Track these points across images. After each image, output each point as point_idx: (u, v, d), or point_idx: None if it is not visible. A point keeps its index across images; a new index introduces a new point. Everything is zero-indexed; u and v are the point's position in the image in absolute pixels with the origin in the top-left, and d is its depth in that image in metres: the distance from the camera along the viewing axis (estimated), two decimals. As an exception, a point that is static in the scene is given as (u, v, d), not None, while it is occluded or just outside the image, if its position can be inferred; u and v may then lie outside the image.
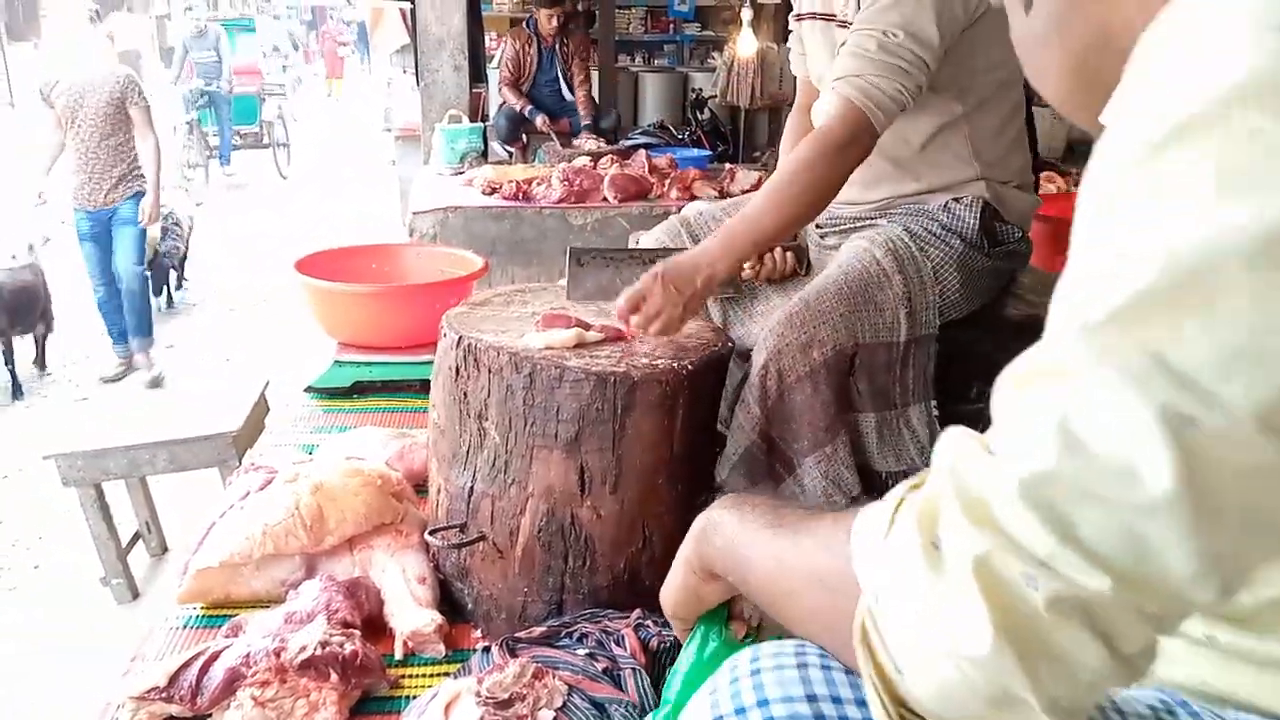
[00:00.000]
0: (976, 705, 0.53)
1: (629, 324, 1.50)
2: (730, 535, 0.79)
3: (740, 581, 0.79)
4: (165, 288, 6.07)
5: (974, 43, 1.68)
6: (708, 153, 5.57)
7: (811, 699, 0.64)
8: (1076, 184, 4.97)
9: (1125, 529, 0.49)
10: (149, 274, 5.19)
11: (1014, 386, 0.55)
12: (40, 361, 4.96)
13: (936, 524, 0.55)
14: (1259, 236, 0.46)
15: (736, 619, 0.93)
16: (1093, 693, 0.53)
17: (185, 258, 6.18)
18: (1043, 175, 4.66)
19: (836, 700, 0.64)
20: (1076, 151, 6.92)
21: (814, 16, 1.89)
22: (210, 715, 1.30)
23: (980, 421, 1.90)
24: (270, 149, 11.02)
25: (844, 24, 1.76)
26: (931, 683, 0.55)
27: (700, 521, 0.85)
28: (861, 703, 0.62)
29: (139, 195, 4.80)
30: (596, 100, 6.22)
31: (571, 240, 3.90)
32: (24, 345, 4.83)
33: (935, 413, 1.72)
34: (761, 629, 0.92)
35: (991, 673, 0.51)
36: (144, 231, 4.89)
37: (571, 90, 5.93)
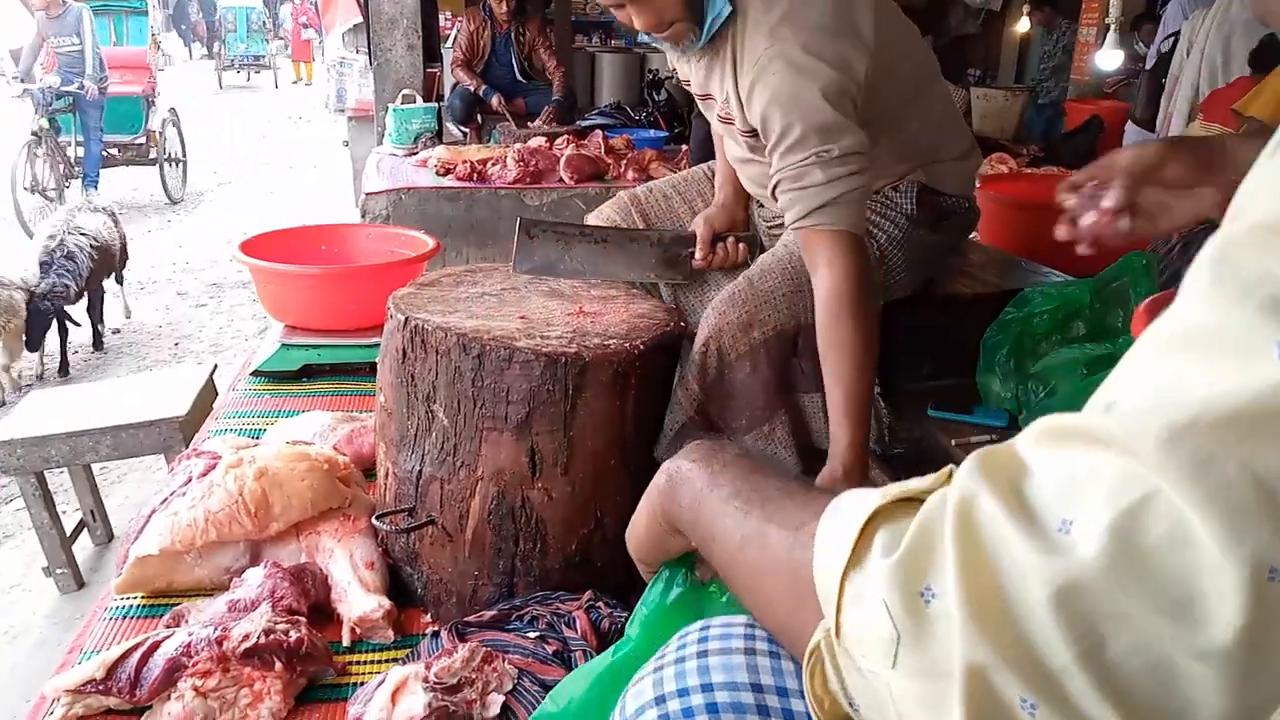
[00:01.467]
0: None
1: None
2: (696, 497, 0.74)
3: (702, 549, 0.75)
4: (97, 327, 4.79)
5: (876, 86, 1.58)
6: (664, 134, 5.54)
7: (757, 688, 0.62)
8: (1030, 164, 4.99)
9: (1157, 664, 0.41)
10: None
11: (1060, 439, 0.46)
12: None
13: (929, 571, 0.47)
14: None
15: (702, 564, 0.91)
16: None
17: (87, 295, 4.57)
18: (994, 156, 4.69)
19: (783, 692, 0.62)
20: (1034, 130, 7.00)
21: (703, 97, 1.78)
22: (150, 707, 1.27)
23: (929, 400, 1.90)
24: (159, 165, 8.28)
25: (731, 123, 1.68)
26: None
27: (666, 471, 0.81)
28: None
29: None
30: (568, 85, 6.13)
31: (527, 222, 3.87)
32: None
33: (878, 390, 1.72)
34: None
35: None
36: None
37: (525, 74, 5.86)
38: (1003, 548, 0.45)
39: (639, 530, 0.87)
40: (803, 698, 0.59)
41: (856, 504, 0.54)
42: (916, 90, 1.73)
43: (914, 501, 0.52)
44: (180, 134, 8.75)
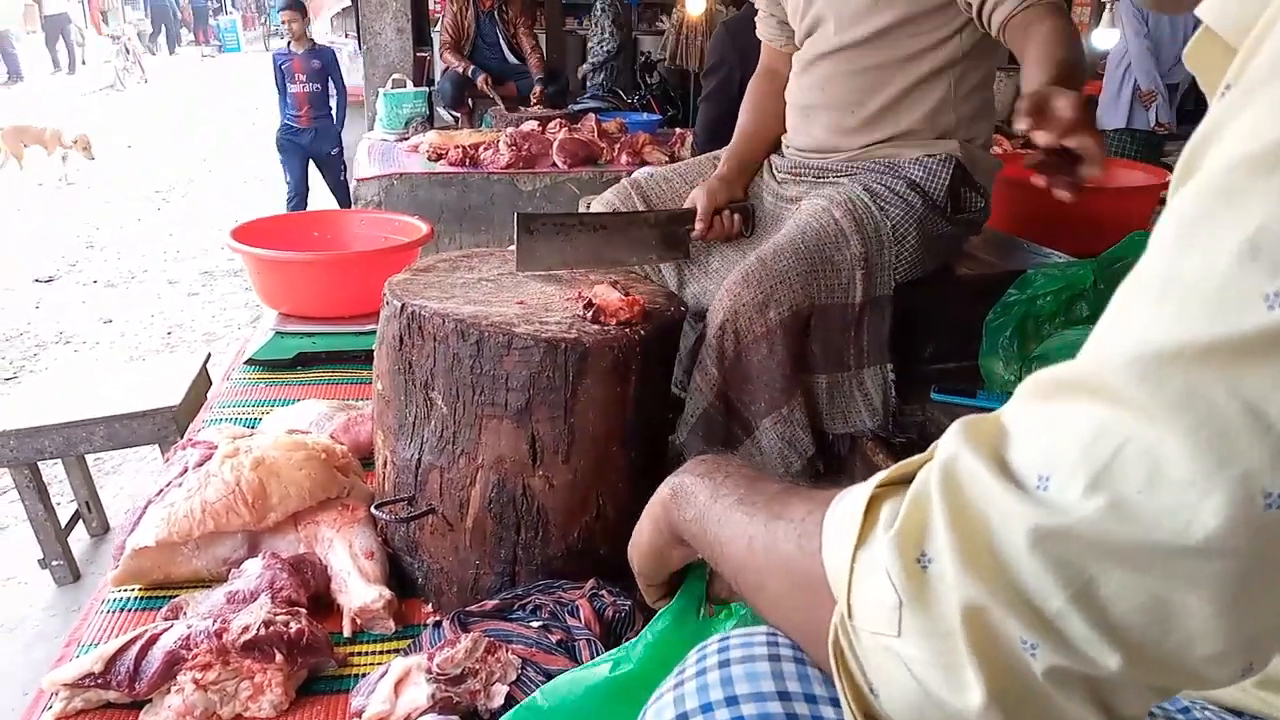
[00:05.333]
0: None
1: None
2: (702, 508, 0.74)
3: (711, 559, 0.74)
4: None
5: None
6: (657, 117, 5.53)
7: (784, 696, 0.60)
8: (1024, 146, 5.01)
9: (1152, 597, 0.42)
10: None
11: (1040, 396, 0.47)
12: None
13: (924, 537, 0.48)
14: None
15: (715, 582, 0.90)
16: None
17: None
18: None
19: (811, 699, 0.60)
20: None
21: None
22: (149, 701, 1.25)
23: (937, 381, 1.89)
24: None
25: None
26: (910, 712, 0.51)
27: (670, 484, 0.81)
28: (836, 702, 0.58)
29: None
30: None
31: (521, 206, 3.84)
32: None
33: (892, 376, 1.71)
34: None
35: None
36: None
37: (514, 54, 5.82)
38: (985, 496, 0.46)
39: (642, 543, 0.86)
40: (831, 704, 0.59)
41: (859, 489, 0.55)
42: (994, 42, 1.75)
43: (913, 480, 0.53)
44: None
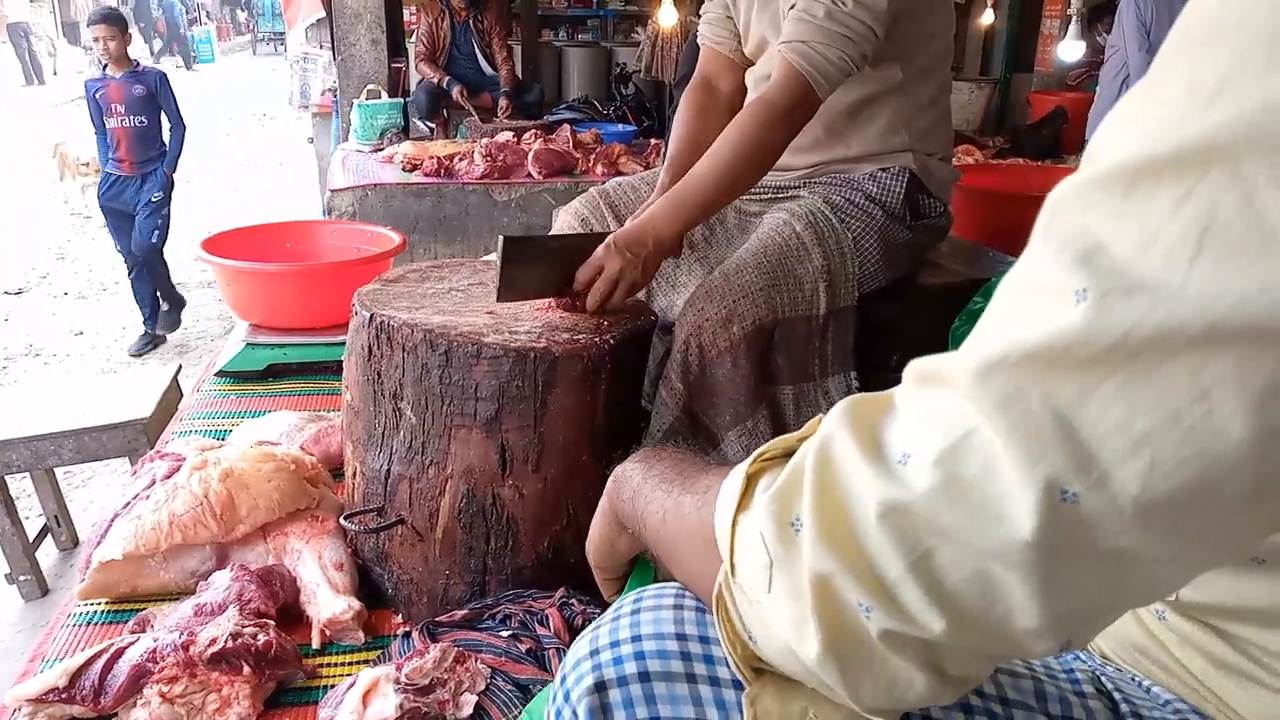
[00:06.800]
0: (815, 684, 0.56)
1: (583, 299, 1.51)
2: (634, 489, 0.80)
3: (640, 536, 0.80)
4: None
5: (919, 11, 1.68)
6: (633, 128, 5.54)
7: (681, 637, 0.67)
8: (995, 156, 5.06)
9: (977, 575, 0.46)
10: None
11: (920, 382, 0.50)
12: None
13: (795, 503, 0.53)
14: (1225, 314, 0.38)
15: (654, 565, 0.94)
16: (915, 705, 0.55)
17: None
18: (960, 148, 4.72)
19: (704, 640, 0.67)
20: (1005, 125, 7.05)
21: None
22: (115, 715, 1.24)
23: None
24: None
25: None
26: (778, 656, 0.57)
27: (614, 473, 0.86)
28: None
29: None
30: (519, 75, 6.13)
31: (495, 217, 3.85)
32: None
33: (856, 384, 1.72)
34: None
35: (817, 676, 0.54)
36: None
37: (491, 65, 5.83)
38: (849, 476, 0.50)
39: (594, 534, 0.91)
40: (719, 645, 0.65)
41: (745, 463, 0.60)
42: (944, 48, 1.79)
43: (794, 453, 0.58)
44: None
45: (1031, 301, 0.44)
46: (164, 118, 4.80)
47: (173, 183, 4.86)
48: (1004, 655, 0.52)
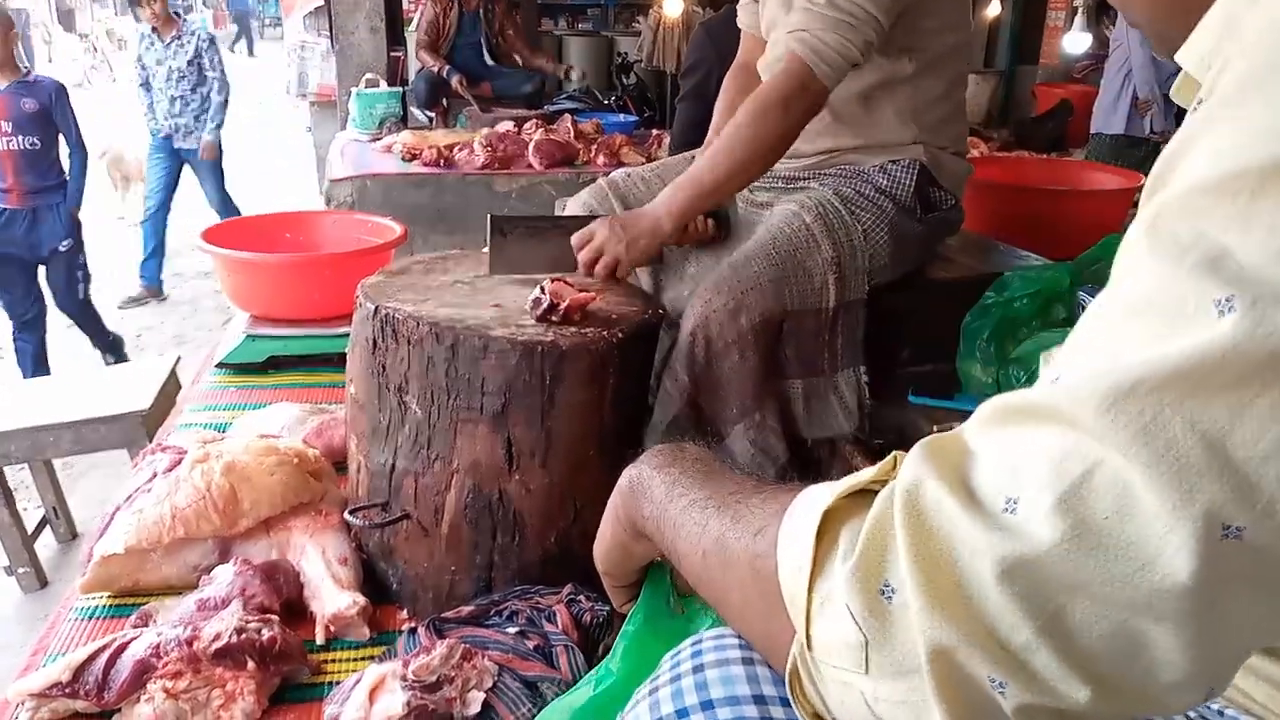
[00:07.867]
0: None
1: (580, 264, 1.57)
2: (659, 506, 0.72)
3: (669, 559, 0.73)
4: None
5: (929, 2, 1.67)
6: (634, 118, 5.52)
7: (760, 700, 0.59)
8: (999, 148, 5.03)
9: (1118, 631, 0.42)
10: None
11: (1003, 420, 0.46)
12: None
13: (885, 567, 0.47)
14: None
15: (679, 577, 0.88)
16: None
17: None
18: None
19: (786, 702, 0.58)
20: (1011, 118, 7.03)
21: None
22: (119, 710, 1.23)
23: (909, 387, 1.90)
24: None
25: None
26: None
27: (628, 476, 0.79)
28: None
29: None
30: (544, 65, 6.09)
31: (496, 208, 3.82)
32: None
33: (865, 378, 1.71)
34: None
35: None
36: None
37: (493, 55, 5.79)
38: (951, 529, 0.45)
39: (605, 539, 0.84)
40: None
41: (811, 506, 0.53)
42: (958, 41, 1.78)
43: (867, 494, 0.52)
44: None
45: (1156, 319, 0.40)
46: (61, 140, 4.05)
47: (79, 223, 4.11)
48: (1139, 715, 0.46)
